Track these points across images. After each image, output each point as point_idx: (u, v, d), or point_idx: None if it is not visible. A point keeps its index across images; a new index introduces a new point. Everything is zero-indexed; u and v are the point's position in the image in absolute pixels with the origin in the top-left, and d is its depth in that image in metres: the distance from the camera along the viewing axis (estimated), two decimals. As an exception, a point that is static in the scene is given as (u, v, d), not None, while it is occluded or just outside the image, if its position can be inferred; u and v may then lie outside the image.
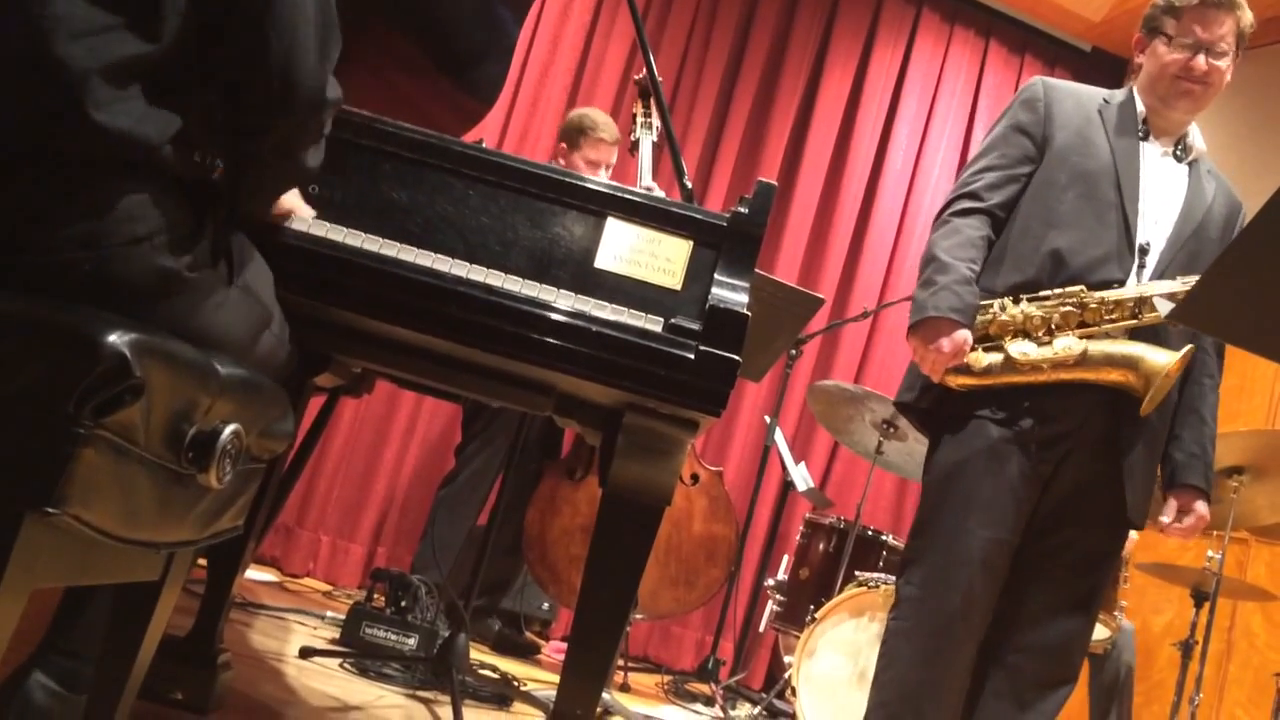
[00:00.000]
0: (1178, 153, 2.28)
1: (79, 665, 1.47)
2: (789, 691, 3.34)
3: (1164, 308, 2.02)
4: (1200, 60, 2.20)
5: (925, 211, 5.23)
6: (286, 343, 1.52)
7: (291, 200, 1.67)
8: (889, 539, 3.75)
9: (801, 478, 4.28)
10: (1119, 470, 2.15)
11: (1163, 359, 2.04)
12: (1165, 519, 2.25)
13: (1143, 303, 2.10)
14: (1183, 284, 2.08)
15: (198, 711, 1.87)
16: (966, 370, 2.16)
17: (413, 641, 2.97)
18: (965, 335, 2.13)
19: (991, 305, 2.18)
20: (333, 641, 2.96)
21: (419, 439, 4.60)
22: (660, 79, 2.40)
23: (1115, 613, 3.52)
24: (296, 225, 1.66)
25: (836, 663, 3.23)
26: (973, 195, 2.27)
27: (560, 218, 1.78)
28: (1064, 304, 2.14)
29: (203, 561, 2.09)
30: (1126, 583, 3.60)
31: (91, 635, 1.48)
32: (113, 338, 0.98)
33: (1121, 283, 2.15)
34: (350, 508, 4.47)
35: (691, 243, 1.78)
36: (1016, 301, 2.17)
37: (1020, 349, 2.12)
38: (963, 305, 2.14)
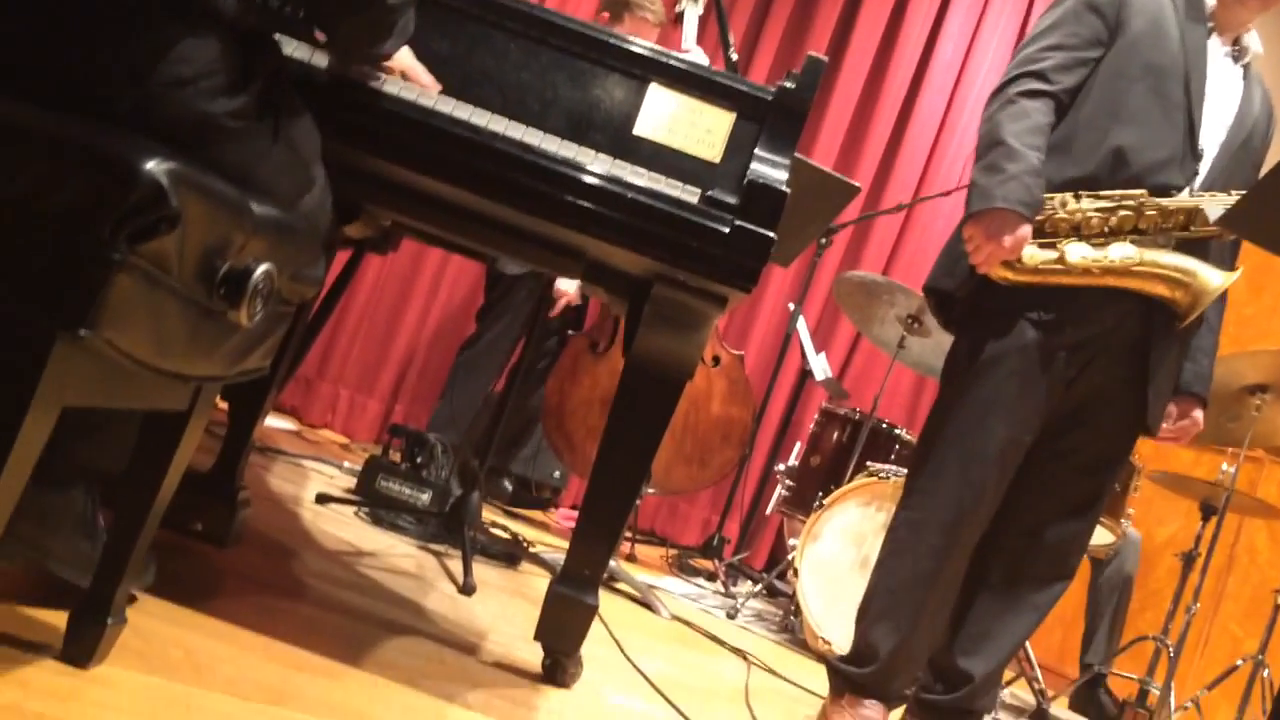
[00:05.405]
0: (1235, 52, 2.20)
1: (48, 458, 1.44)
2: (790, 572, 3.40)
3: (1214, 211, 1.97)
4: None
5: (971, 107, 5.09)
6: (328, 209, 1.51)
7: (406, 60, 1.66)
8: (903, 433, 3.77)
9: (820, 367, 4.28)
10: (1143, 377, 2.13)
11: (1217, 279, 2.00)
12: (1164, 425, 2.26)
13: (1195, 214, 2.04)
14: (1238, 199, 2.02)
15: (216, 543, 1.92)
16: (1017, 265, 2.11)
17: (426, 497, 3.02)
18: (1029, 232, 2.05)
19: (1052, 199, 2.10)
20: (348, 491, 3.01)
21: (441, 301, 4.61)
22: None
23: (1122, 520, 3.55)
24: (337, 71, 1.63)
25: (840, 548, 3.29)
26: (1040, 75, 2.14)
27: (602, 80, 1.75)
28: (1122, 206, 2.07)
29: (224, 405, 2.12)
30: (1137, 491, 3.61)
31: (69, 432, 1.45)
32: (150, 165, 0.97)
33: (1180, 189, 2.09)
34: (370, 364, 4.52)
35: (734, 115, 1.74)
36: (1077, 198, 2.10)
37: (1079, 252, 2.06)
38: (1031, 200, 2.05)
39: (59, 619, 1.26)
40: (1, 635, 1.24)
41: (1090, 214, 2.07)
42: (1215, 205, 2.01)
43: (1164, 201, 2.06)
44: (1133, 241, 2.06)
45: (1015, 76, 2.17)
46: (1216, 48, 2.18)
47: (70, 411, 1.47)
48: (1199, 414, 2.28)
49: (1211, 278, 2.00)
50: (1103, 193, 2.09)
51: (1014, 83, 2.16)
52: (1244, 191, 2.03)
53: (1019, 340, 2.12)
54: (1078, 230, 2.08)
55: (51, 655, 1.23)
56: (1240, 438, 3.23)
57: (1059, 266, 2.07)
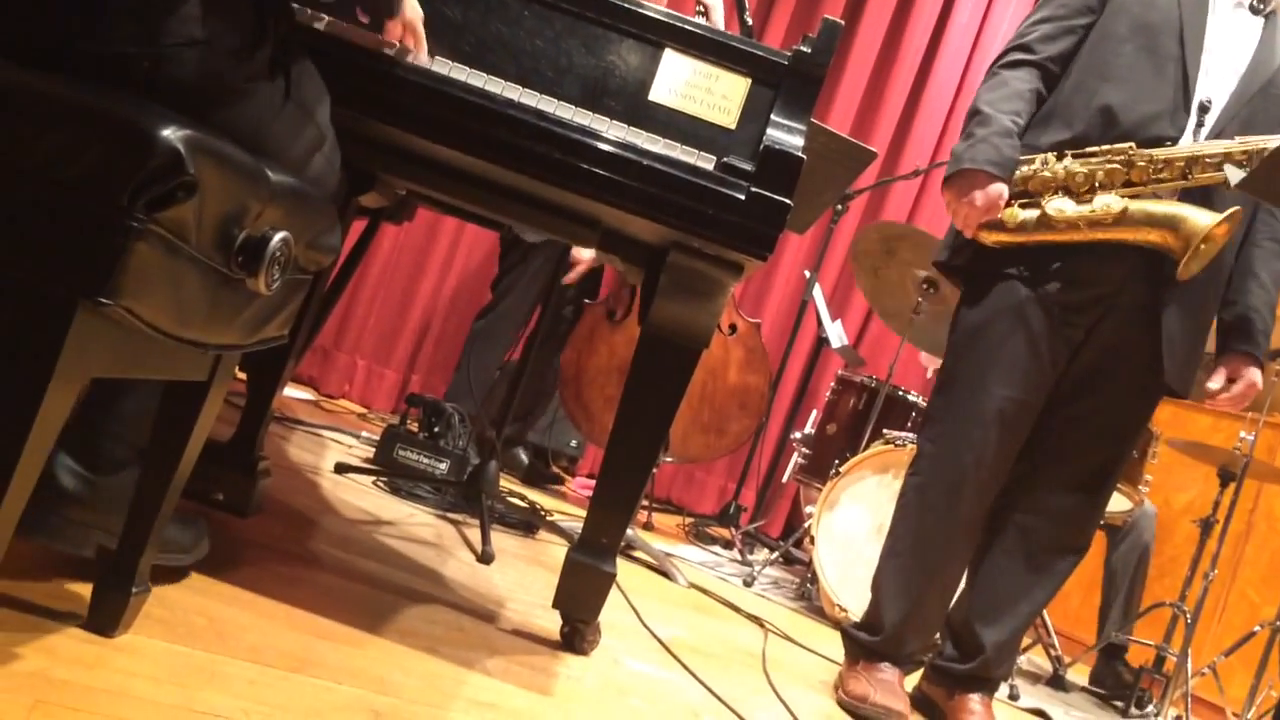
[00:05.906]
0: (1255, 3, 2.16)
1: (107, 446, 1.47)
2: (807, 540, 3.41)
3: (1235, 176, 1.95)
4: None
5: (987, 71, 5.05)
6: (337, 168, 1.51)
7: (409, 14, 1.65)
8: (919, 400, 3.76)
9: (836, 335, 4.27)
10: (1156, 337, 2.12)
11: (1205, 220, 1.97)
12: (1213, 385, 2.21)
13: (1194, 162, 2.03)
14: (1240, 144, 2.00)
15: (237, 513, 1.93)
16: (1000, 226, 2.11)
17: (444, 466, 3.04)
18: (1001, 189, 2.08)
19: (1034, 161, 2.12)
20: (367, 461, 3.03)
21: (457, 270, 4.62)
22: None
23: (1140, 487, 3.54)
24: (346, 35, 1.63)
25: (857, 516, 3.29)
26: (1025, 48, 2.19)
27: (616, 46, 1.73)
28: (1110, 161, 2.07)
29: (242, 376, 2.13)
30: (1155, 458, 3.60)
31: (124, 418, 1.47)
32: (168, 132, 0.97)
33: (1174, 140, 2.07)
34: (387, 334, 4.53)
35: (750, 81, 1.73)
36: (1060, 158, 2.11)
37: (1057, 206, 2.06)
38: (1000, 158, 2.08)
39: (84, 588, 1.28)
40: (28, 604, 1.26)
41: (1075, 171, 2.07)
42: (1214, 148, 2.00)
43: (1154, 152, 2.05)
44: (1127, 195, 2.04)
45: (1003, 53, 2.24)
46: (1226, 1, 2.15)
47: (120, 404, 1.49)
48: (1254, 373, 2.19)
49: (1201, 219, 1.98)
50: (1089, 149, 2.08)
51: (1000, 58, 2.23)
52: (1246, 135, 2.01)
53: (1009, 300, 2.14)
54: (1067, 189, 2.08)
55: (77, 624, 1.25)
56: (1259, 404, 3.21)
57: (1041, 223, 2.08)
